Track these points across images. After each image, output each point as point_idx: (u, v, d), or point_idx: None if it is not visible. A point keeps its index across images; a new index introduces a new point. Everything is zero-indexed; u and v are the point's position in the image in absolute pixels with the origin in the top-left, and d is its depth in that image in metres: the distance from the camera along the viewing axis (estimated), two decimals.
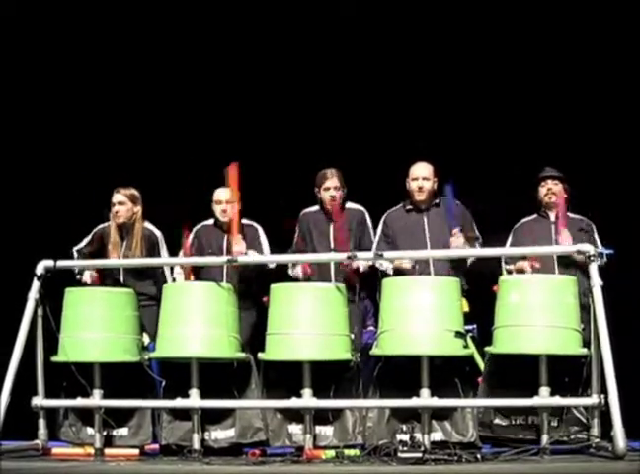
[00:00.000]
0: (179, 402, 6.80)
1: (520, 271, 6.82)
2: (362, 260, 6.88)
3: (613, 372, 6.20)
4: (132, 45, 9.13)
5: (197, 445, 6.76)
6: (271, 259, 7.15)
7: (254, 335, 7.16)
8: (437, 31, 8.75)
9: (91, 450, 7.00)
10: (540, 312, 6.35)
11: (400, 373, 6.59)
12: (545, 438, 6.37)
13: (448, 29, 8.72)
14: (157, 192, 7.92)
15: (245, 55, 9.06)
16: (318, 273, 7.14)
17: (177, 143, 9.05)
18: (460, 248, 6.88)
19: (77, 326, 6.96)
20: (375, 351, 6.61)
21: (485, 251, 6.97)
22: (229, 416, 6.89)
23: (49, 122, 9.13)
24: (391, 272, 7.01)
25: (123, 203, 7.42)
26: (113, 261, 7.35)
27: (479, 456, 6.37)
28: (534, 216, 7.37)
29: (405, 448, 6.47)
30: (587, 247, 6.38)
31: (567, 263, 6.91)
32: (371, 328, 7.28)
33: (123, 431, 7.05)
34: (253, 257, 7.13)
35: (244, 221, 7.36)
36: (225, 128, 9.08)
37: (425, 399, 6.48)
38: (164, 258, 7.36)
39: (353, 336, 6.71)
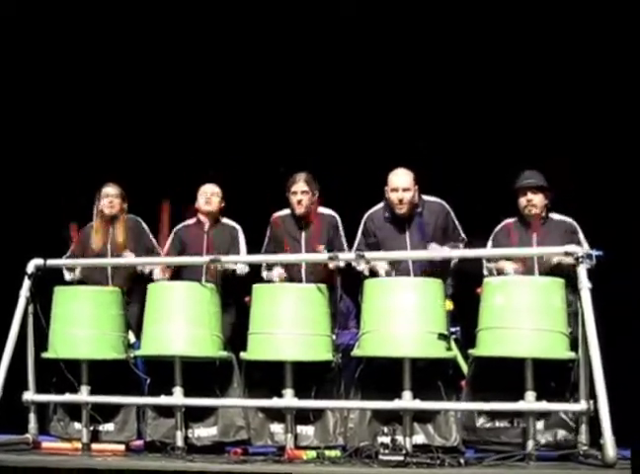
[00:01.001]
0: (163, 400, 4.24)
1: (501, 271, 4.16)
2: (343, 261, 4.18)
3: (602, 377, 3.68)
4: (129, 46, 5.96)
5: (180, 443, 4.21)
6: (252, 259, 4.49)
7: (235, 334, 4.51)
8: (435, 32, 5.62)
9: (79, 445, 4.42)
10: (526, 315, 3.80)
11: (382, 375, 4.03)
12: (531, 444, 3.82)
13: (445, 31, 5.61)
14: (142, 191, 5.10)
15: (242, 55, 5.88)
16: (289, 276, 4.40)
17: (159, 145, 5.92)
18: (440, 251, 4.19)
19: (65, 323, 4.39)
20: (357, 352, 4.05)
21: (466, 252, 4.25)
22: (212, 414, 4.30)
23: (45, 123, 6.03)
24: (367, 273, 4.28)
25: (117, 196, 4.79)
26: (99, 260, 4.73)
27: (462, 461, 3.85)
28: (513, 220, 4.30)
29: (386, 451, 3.92)
30: (574, 248, 3.84)
31: (548, 273, 4.10)
32: (353, 329, 4.65)
33: (109, 426, 4.45)
34: (235, 257, 4.52)
35: (225, 220, 4.73)
36: (214, 128, 5.92)
37: (407, 401, 3.93)
38: (149, 258, 4.69)
39: (334, 336, 4.18)
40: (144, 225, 4.77)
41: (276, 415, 4.18)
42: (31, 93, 5.93)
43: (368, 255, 4.09)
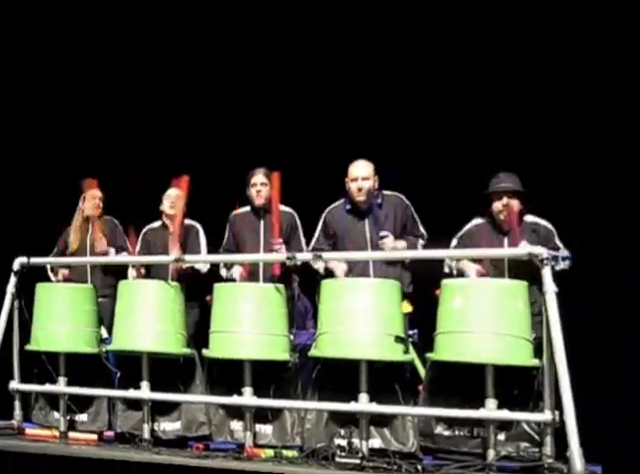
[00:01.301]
0: (131, 393, 3.32)
1: (461, 272, 3.07)
2: (300, 261, 3.14)
3: (569, 386, 2.62)
4: (125, 47, 4.74)
5: (147, 435, 3.31)
6: (213, 259, 3.51)
7: (197, 332, 3.52)
8: (435, 32, 4.26)
9: (57, 433, 3.55)
10: (487, 318, 2.74)
11: (339, 376, 3.00)
12: (492, 454, 2.77)
13: (445, 31, 4.24)
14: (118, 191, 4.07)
15: (240, 55, 4.62)
16: (249, 270, 3.40)
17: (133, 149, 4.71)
18: (393, 245, 3.20)
19: (46, 318, 3.51)
20: (314, 352, 3.04)
21: (427, 253, 3.20)
22: (176, 409, 3.35)
23: (43, 123, 4.86)
24: (322, 272, 3.26)
25: (101, 199, 3.89)
26: (78, 259, 3.81)
27: (420, 468, 2.81)
28: (483, 222, 3.21)
29: (343, 453, 2.93)
30: (539, 250, 2.74)
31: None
32: (311, 329, 3.66)
33: (84, 417, 3.53)
34: (198, 257, 3.55)
35: (186, 221, 3.69)
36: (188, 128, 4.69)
37: (363, 404, 2.91)
38: (119, 256, 3.76)
39: (292, 336, 3.21)
40: (119, 226, 3.90)
41: (235, 412, 3.20)
42: (22, 93, 4.79)
43: (326, 255, 3.08)
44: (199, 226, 3.68)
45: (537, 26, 4.11)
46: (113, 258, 3.68)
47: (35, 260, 3.65)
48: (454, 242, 3.16)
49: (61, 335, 3.50)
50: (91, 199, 3.87)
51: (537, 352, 2.75)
